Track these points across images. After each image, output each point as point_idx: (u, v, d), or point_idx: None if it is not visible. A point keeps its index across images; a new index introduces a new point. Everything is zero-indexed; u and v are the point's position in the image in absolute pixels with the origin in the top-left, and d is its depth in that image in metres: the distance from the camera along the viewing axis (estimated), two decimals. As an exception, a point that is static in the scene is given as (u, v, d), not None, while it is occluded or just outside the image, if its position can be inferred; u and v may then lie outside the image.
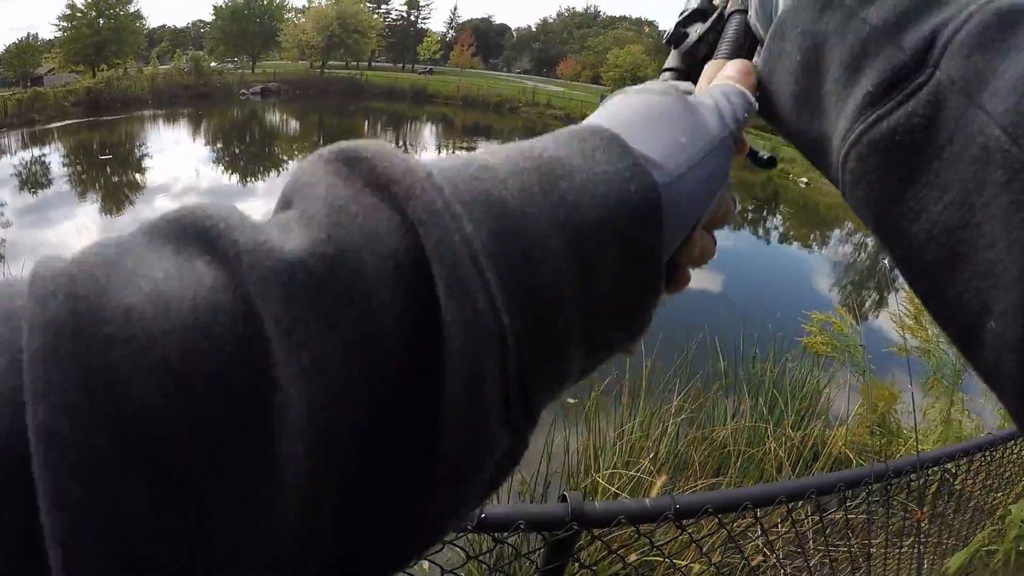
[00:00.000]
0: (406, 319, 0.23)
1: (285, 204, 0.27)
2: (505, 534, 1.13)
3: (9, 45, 42.48)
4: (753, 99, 0.42)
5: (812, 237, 22.98)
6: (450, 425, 0.24)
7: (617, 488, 2.93)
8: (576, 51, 75.42)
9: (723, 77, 0.44)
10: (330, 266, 0.22)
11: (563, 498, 1.19)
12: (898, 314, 4.18)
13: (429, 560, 1.20)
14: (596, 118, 0.38)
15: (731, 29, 0.49)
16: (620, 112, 0.38)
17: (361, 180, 0.25)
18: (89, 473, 0.17)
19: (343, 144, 0.27)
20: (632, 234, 0.30)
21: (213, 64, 49.37)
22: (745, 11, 0.47)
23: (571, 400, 3.84)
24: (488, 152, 0.30)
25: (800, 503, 1.49)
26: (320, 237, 0.22)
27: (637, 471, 2.97)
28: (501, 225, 0.26)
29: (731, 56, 0.48)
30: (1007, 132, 0.29)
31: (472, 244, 0.24)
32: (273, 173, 23.29)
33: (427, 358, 0.23)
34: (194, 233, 0.22)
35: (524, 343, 0.26)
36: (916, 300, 4.15)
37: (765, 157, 0.51)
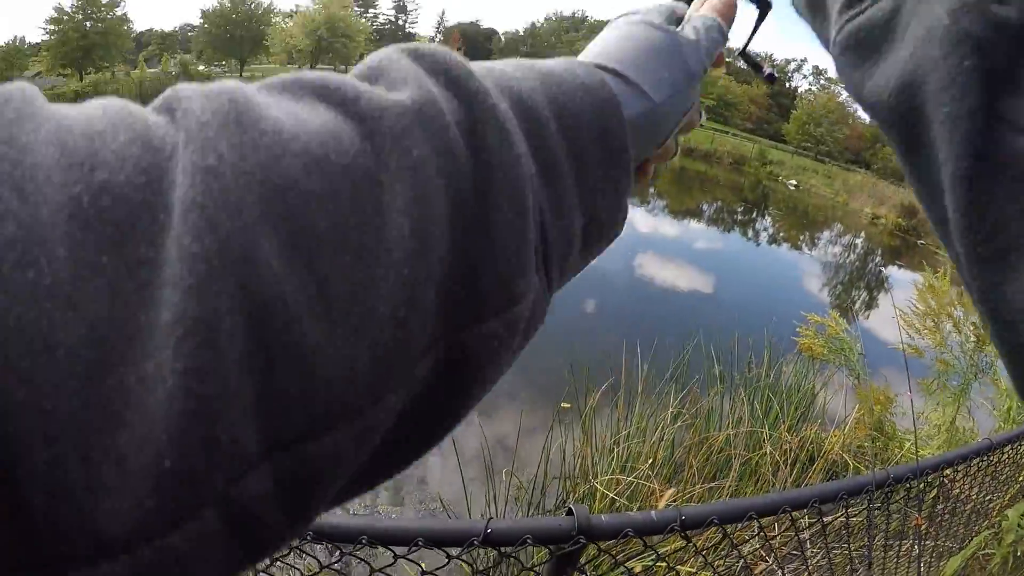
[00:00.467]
0: (469, 155, 0.29)
1: (373, 79, 0.31)
2: (511, 549, 1.13)
3: (-5, 48, 42.09)
4: (727, 31, 0.50)
5: (802, 238, 23.06)
6: (504, 243, 0.29)
7: (615, 494, 2.92)
8: (565, 55, 75.51)
9: (709, 7, 0.50)
10: (421, 107, 0.28)
11: (569, 511, 1.19)
12: (900, 311, 4.17)
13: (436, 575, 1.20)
14: (598, 44, 0.46)
15: None
16: (619, 43, 0.45)
17: (425, 67, 0.31)
18: (232, 219, 0.20)
19: (412, 44, 0.33)
20: (605, 126, 0.37)
21: (201, 68, 49.17)
22: None
23: (566, 405, 3.84)
24: (503, 63, 0.37)
25: (804, 513, 1.50)
26: (412, 95, 0.28)
27: (636, 477, 2.97)
28: (518, 108, 0.33)
29: None
30: (948, 13, 0.31)
31: (507, 113, 0.31)
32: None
33: (485, 186, 0.29)
34: (309, 87, 0.27)
35: (544, 191, 0.33)
36: (928, 299, 4.18)
37: (766, 73, 0.59)
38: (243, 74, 52.04)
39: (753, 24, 0.58)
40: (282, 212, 0.22)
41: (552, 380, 4.61)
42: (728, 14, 0.51)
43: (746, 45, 0.60)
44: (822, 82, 75.44)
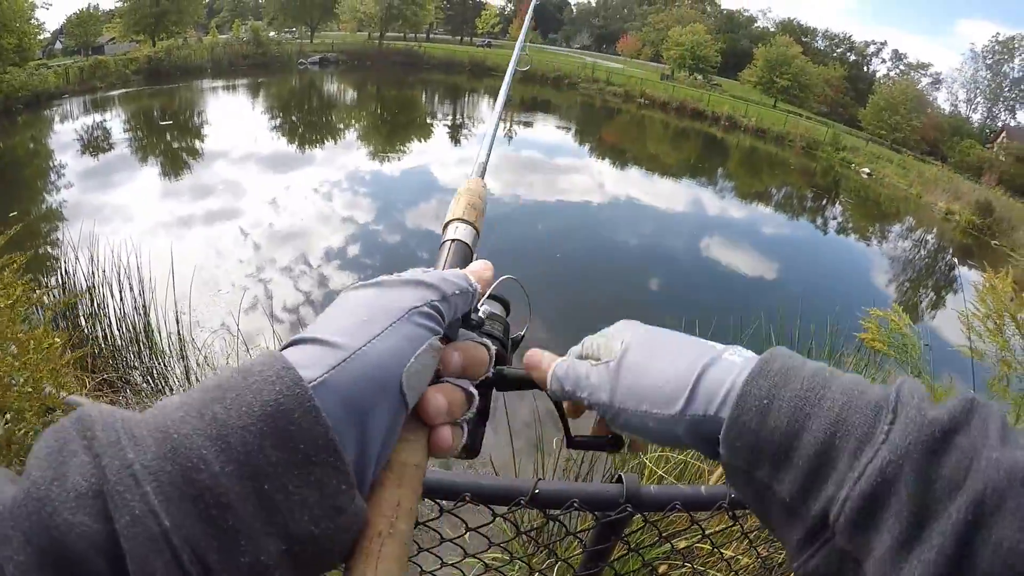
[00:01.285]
0: (95, 535, 0.31)
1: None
2: (558, 511, 1.13)
3: (71, 15, 43.15)
4: (473, 283, 0.59)
5: (871, 230, 22.42)
6: None
7: (664, 471, 2.90)
8: (637, 28, 74.30)
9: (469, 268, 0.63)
10: (29, 508, 0.31)
11: (619, 479, 1.18)
12: (965, 313, 4.01)
13: (479, 532, 1.21)
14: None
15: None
16: (333, 308, 0.49)
17: (77, 433, 0.34)
18: None
19: (76, 414, 0.36)
20: (286, 426, 0.37)
21: (272, 34, 49.89)
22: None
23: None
24: (176, 402, 0.38)
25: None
26: (23, 488, 0.32)
27: (686, 455, 2.94)
28: (164, 448, 0.34)
29: None
30: None
31: (132, 465, 0.32)
32: (330, 141, 23.51)
33: (119, 565, 0.31)
34: None
35: (199, 540, 0.33)
36: (987, 299, 4.00)
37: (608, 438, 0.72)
38: (313, 40, 52.60)
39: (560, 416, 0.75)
40: None
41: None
42: (483, 277, 0.63)
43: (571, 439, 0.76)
44: (901, 67, 72.72)
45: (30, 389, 1.43)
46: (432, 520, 1.12)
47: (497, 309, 0.69)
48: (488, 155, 0.92)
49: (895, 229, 23.78)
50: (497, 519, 1.17)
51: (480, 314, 0.65)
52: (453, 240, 0.72)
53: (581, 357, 0.66)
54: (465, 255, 0.71)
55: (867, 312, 4.51)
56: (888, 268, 17.31)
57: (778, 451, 0.47)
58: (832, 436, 0.45)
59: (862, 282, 15.52)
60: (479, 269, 0.63)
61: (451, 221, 0.75)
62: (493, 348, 0.60)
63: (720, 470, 2.69)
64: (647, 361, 0.59)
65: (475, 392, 0.55)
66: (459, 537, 1.21)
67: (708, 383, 0.54)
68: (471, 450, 0.64)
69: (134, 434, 0.34)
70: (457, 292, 0.54)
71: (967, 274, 17.87)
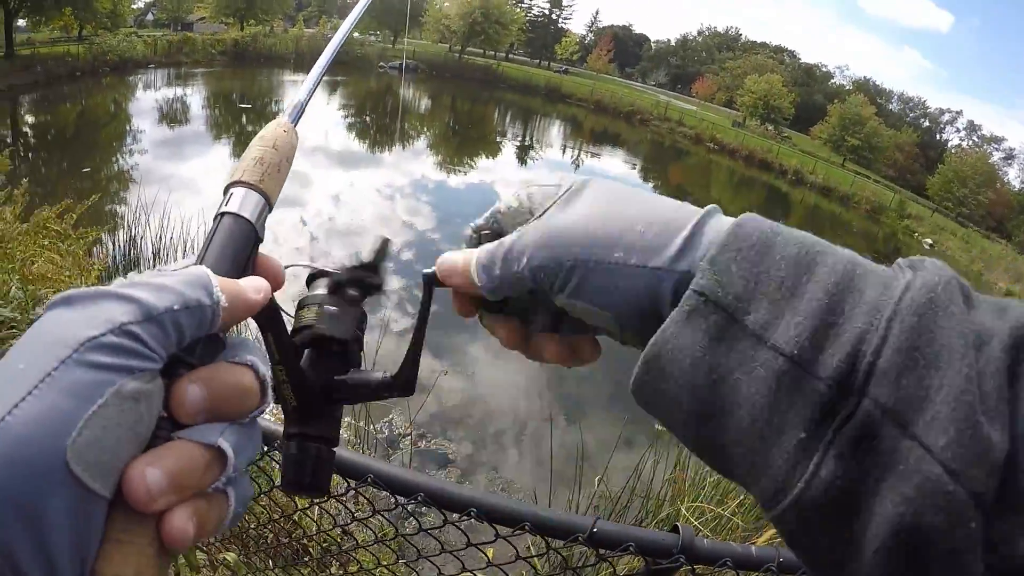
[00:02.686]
0: None
1: None
2: (609, 552, 1.11)
3: (166, -10, 45.01)
4: (215, 292, 0.37)
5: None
6: None
7: (698, 523, 2.85)
8: (714, 72, 74.28)
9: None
10: None
11: (674, 528, 1.17)
12: None
13: (527, 560, 1.19)
14: None
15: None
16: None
17: None
18: None
19: None
20: None
21: (356, 35, 50.94)
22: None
23: (661, 427, 3.77)
24: None
25: None
26: None
27: (723, 509, 2.89)
28: None
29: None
30: (948, 470, 0.29)
31: None
32: (399, 146, 23.86)
33: None
34: None
35: None
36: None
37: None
38: (395, 45, 53.72)
39: None
40: None
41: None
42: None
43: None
44: (975, 139, 71.23)
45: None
46: (488, 544, 1.11)
47: (324, 290, 0.53)
48: (309, 96, 0.67)
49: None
50: (551, 551, 1.15)
51: (306, 302, 0.51)
52: (223, 214, 0.47)
53: (499, 233, 0.50)
54: (242, 237, 0.46)
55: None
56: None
57: (782, 288, 0.36)
58: (850, 274, 0.36)
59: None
60: (249, 285, 0.42)
61: (230, 185, 0.49)
62: (263, 369, 0.39)
63: (770, 532, 2.63)
64: (613, 203, 0.44)
65: (229, 444, 0.36)
66: (510, 563, 1.20)
67: (712, 231, 0.41)
68: (313, 489, 0.49)
69: None
70: (177, 306, 0.35)
71: None
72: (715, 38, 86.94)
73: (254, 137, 0.56)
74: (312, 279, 0.55)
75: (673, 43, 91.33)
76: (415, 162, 21.22)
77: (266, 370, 0.40)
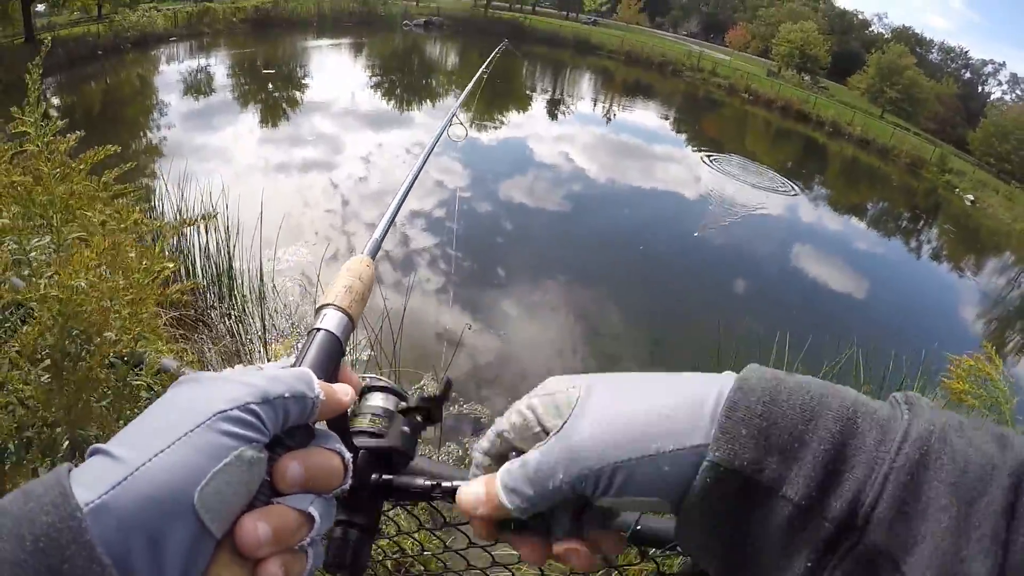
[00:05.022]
0: None
1: None
2: (659, 551, 1.07)
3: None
4: (316, 389, 0.49)
5: (966, 261, 21.23)
6: None
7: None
8: (747, 20, 72.15)
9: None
10: None
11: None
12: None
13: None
14: None
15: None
16: (146, 412, 0.43)
17: None
18: None
19: None
20: (59, 564, 0.32)
21: (381, -8, 50.41)
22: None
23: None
24: None
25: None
26: None
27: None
28: None
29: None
30: None
31: None
32: (428, 104, 23.62)
33: None
34: None
35: None
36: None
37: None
38: (419, 3, 52.84)
39: None
40: None
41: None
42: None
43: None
44: (1018, 92, 68.55)
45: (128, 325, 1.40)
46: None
47: (390, 404, 0.64)
48: (384, 234, 0.81)
49: (991, 263, 22.46)
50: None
51: (361, 410, 0.63)
52: (319, 330, 0.61)
53: (507, 451, 0.54)
54: (332, 350, 0.60)
55: (953, 356, 4.23)
56: (978, 303, 16.41)
57: (789, 440, 0.41)
58: (852, 421, 0.41)
59: (949, 314, 14.80)
60: (340, 388, 0.54)
61: (323, 306, 0.65)
62: (348, 456, 0.50)
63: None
64: (622, 401, 0.48)
65: (317, 512, 0.45)
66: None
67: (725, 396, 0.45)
68: (352, 570, 0.58)
69: None
70: (288, 395, 0.45)
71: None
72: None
73: (341, 267, 0.72)
74: (370, 390, 0.66)
75: None
76: (444, 120, 20.80)
77: (350, 457, 0.51)
